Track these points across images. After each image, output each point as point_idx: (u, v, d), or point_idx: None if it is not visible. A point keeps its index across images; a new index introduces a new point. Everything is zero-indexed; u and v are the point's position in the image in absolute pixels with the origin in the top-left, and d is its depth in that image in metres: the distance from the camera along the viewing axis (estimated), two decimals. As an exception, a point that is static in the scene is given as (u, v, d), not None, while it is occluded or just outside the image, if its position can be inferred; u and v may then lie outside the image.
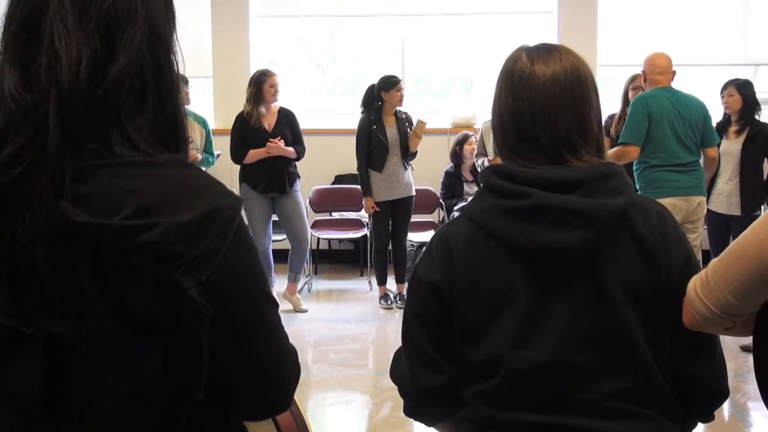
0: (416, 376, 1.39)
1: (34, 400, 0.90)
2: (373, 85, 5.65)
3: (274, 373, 1.01)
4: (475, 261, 1.32)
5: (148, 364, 0.92)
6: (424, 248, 1.43)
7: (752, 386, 4.11)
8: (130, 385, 0.92)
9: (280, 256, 5.84)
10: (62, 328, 0.87)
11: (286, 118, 5.51)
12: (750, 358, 4.68)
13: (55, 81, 0.87)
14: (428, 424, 1.49)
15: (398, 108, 5.65)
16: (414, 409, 1.43)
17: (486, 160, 5.64)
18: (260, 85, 5.39)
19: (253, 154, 5.39)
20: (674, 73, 4.52)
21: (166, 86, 0.97)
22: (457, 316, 1.33)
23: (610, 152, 4.52)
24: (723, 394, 1.39)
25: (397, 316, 5.42)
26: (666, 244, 1.31)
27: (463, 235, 1.34)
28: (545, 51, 1.37)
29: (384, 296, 5.83)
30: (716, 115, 5.24)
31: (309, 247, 5.79)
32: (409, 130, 5.64)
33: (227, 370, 0.97)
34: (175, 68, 0.99)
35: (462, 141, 6.51)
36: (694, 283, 1.27)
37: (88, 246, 0.86)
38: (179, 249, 0.86)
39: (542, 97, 1.33)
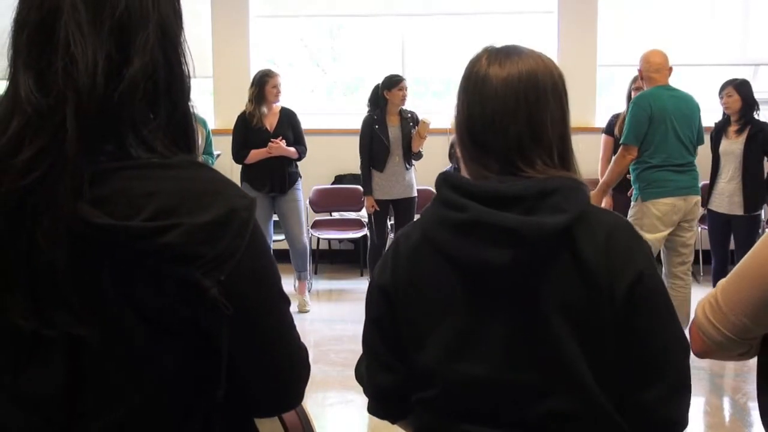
0: (372, 374, 1.40)
1: (53, 402, 0.91)
2: (378, 84, 5.63)
3: (287, 369, 1.03)
4: (419, 268, 1.30)
5: (165, 364, 0.92)
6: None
7: (752, 386, 4.09)
8: (148, 385, 0.93)
9: (281, 256, 5.83)
10: (82, 331, 0.88)
11: (288, 119, 5.51)
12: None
13: (73, 85, 0.87)
14: (391, 422, 1.49)
15: (403, 107, 5.61)
16: (372, 407, 1.45)
17: None
18: (263, 86, 5.39)
19: (255, 155, 5.39)
20: (671, 69, 4.48)
21: (177, 88, 0.98)
22: (404, 320, 1.32)
23: (613, 161, 4.50)
24: (671, 422, 1.25)
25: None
26: (610, 263, 1.21)
27: (412, 241, 1.32)
28: (504, 53, 1.30)
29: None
30: (716, 116, 5.25)
31: (307, 246, 5.77)
32: (413, 130, 5.61)
33: (242, 368, 0.97)
34: (185, 69, 1.00)
35: (454, 143, 6.47)
36: (703, 309, 1.21)
37: (107, 248, 0.86)
38: (199, 250, 0.87)
39: (493, 102, 1.26)
